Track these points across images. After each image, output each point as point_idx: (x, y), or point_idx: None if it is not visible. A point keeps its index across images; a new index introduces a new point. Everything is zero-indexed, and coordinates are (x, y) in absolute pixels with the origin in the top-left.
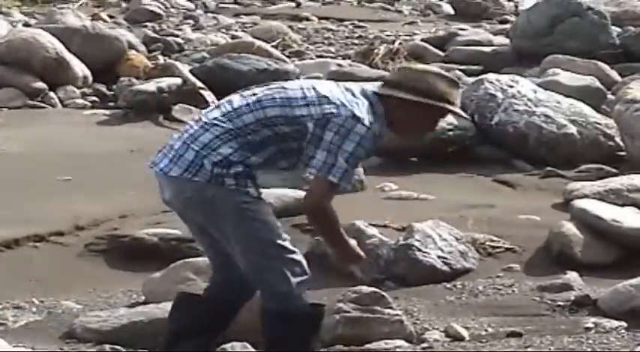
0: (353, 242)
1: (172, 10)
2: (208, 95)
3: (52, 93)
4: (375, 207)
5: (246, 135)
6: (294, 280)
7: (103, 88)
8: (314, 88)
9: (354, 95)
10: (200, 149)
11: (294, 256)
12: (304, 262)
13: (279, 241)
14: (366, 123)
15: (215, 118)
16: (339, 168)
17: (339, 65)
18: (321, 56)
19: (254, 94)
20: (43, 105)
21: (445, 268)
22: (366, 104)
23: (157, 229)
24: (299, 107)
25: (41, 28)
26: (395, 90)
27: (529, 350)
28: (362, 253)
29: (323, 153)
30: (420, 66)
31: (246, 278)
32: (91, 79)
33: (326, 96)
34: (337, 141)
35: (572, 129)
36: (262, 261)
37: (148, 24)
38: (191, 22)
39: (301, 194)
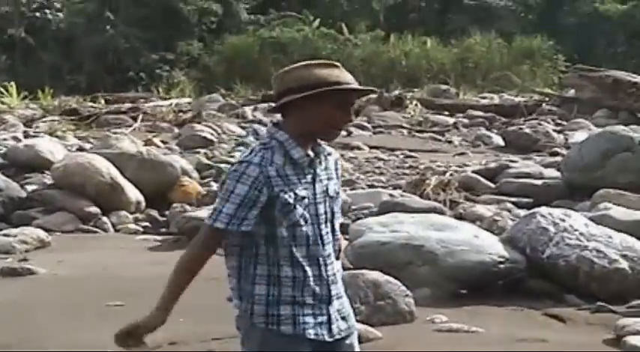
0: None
1: (224, 136)
2: None
3: (104, 218)
4: (424, 338)
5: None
6: None
7: (155, 213)
8: None
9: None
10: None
11: None
12: None
13: None
14: (238, 161)
15: None
16: (213, 207)
17: (391, 195)
18: (372, 186)
19: None
20: (95, 229)
21: None
22: (250, 149)
23: None
24: None
25: (97, 153)
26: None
27: None
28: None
29: None
30: (289, 67)
31: None
32: (144, 204)
33: None
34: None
35: (624, 265)
36: None
37: (200, 150)
38: (242, 148)
39: None
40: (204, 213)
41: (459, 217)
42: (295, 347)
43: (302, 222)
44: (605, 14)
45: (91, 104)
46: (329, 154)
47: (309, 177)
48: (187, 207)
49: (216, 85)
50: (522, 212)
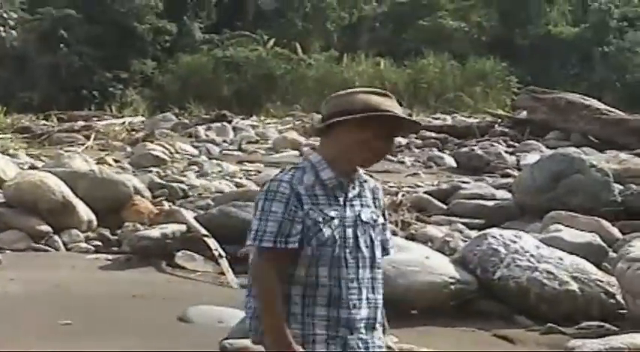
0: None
1: (177, 155)
2: (212, 242)
3: (56, 237)
4: None
5: None
6: None
7: (107, 232)
8: None
9: None
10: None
11: None
12: None
13: None
14: (270, 181)
15: None
16: (252, 230)
17: None
18: None
19: None
20: (46, 248)
21: None
22: (281, 169)
23: None
24: None
25: (49, 171)
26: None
27: None
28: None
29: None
30: (342, 92)
31: None
32: (95, 223)
33: None
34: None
35: (574, 286)
36: None
37: (152, 169)
38: (195, 168)
39: None
40: (156, 232)
41: (411, 238)
42: None
43: (329, 243)
44: (557, 36)
45: (43, 122)
46: (364, 181)
47: (340, 200)
48: (139, 226)
49: (170, 103)
50: (473, 233)
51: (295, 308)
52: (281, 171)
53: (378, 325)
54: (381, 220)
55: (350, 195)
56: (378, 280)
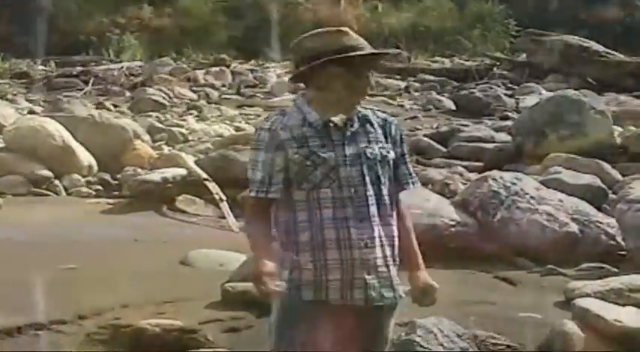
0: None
1: (176, 100)
2: (213, 186)
3: (56, 181)
4: None
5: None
6: None
7: (107, 176)
8: None
9: None
10: None
11: None
12: None
13: None
14: (257, 131)
15: None
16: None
17: None
18: None
19: None
20: (47, 193)
21: None
22: (266, 117)
23: (159, 320)
24: None
25: (48, 116)
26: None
27: None
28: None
29: None
30: (299, 37)
31: None
32: (96, 167)
33: None
34: None
35: (574, 228)
36: None
37: (152, 113)
38: (194, 112)
39: None
40: (156, 176)
41: None
42: (316, 313)
43: (325, 185)
44: None
45: (41, 67)
46: (365, 116)
47: (336, 140)
48: (139, 171)
49: (168, 48)
50: (473, 175)
51: (306, 256)
52: (266, 119)
53: (394, 263)
54: (392, 155)
55: (348, 133)
56: (392, 217)
